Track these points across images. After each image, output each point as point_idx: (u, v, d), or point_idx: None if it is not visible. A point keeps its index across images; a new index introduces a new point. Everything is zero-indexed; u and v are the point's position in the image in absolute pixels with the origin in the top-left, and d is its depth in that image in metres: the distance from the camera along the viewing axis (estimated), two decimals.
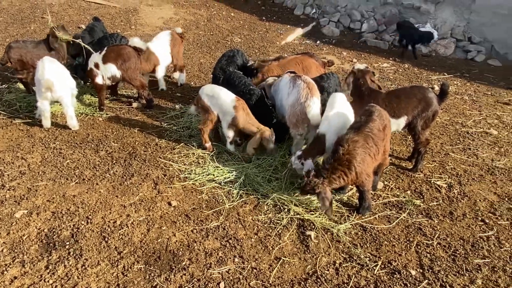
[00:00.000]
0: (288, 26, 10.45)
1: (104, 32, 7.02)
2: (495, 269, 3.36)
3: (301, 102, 4.42)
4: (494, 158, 5.01)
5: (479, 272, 3.33)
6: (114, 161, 4.74)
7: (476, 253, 3.53)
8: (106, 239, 3.61)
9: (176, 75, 6.90)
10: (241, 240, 3.65)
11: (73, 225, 3.76)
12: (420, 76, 7.94)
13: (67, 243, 3.55)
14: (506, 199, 4.26)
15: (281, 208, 4.06)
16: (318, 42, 9.74)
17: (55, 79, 5.01)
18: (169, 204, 4.10)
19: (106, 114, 5.83)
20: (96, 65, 5.63)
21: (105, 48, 5.68)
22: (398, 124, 4.42)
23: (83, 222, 3.80)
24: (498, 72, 8.44)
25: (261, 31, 10.08)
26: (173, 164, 4.70)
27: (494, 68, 8.66)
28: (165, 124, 5.60)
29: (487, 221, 3.93)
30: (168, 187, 4.35)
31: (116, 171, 4.56)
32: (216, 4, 11.63)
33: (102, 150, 4.96)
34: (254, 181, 4.43)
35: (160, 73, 6.40)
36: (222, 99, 4.72)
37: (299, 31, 10.19)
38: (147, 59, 5.98)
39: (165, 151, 4.98)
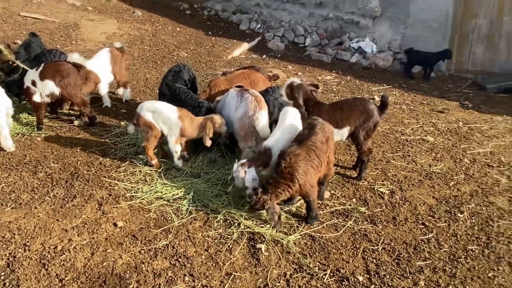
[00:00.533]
0: (234, 40, 10.57)
1: (42, 48, 6.72)
2: (436, 269, 3.54)
3: (249, 115, 4.46)
4: (431, 164, 5.31)
5: (422, 273, 3.48)
6: (54, 183, 4.50)
7: (418, 256, 3.70)
8: (46, 266, 3.40)
9: (121, 91, 6.72)
10: (191, 258, 3.58)
11: (9, 253, 3.51)
12: (361, 88, 8.31)
13: (2, 273, 3.30)
14: (444, 202, 4.52)
15: (232, 222, 4.03)
16: (264, 56, 9.92)
17: None
18: (115, 225, 3.94)
19: (45, 133, 5.54)
20: (33, 83, 5.36)
21: (42, 65, 5.43)
22: (342, 134, 4.58)
23: (20, 250, 3.55)
24: (432, 82, 9.03)
25: (208, 45, 10.12)
26: (118, 183, 4.54)
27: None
28: (110, 141, 5.42)
29: (427, 224, 4.14)
30: (114, 207, 4.19)
31: (56, 193, 4.32)
32: (161, 19, 11.53)
33: (41, 172, 4.69)
34: (204, 196, 4.38)
35: (103, 90, 6.19)
36: (165, 113, 4.65)
37: (245, 46, 10.34)
38: (87, 79, 5.75)
39: (110, 170, 4.81)
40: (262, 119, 4.45)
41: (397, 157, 5.46)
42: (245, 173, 4.07)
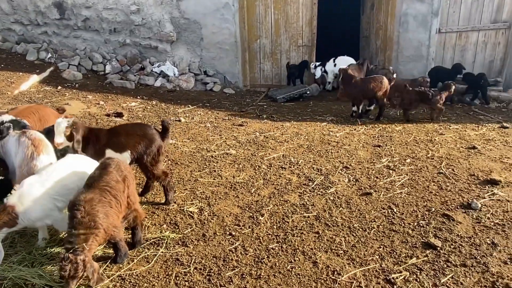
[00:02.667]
0: (21, 73, 9.41)
1: None
2: (244, 275, 3.75)
3: (27, 163, 3.94)
4: (235, 175, 5.70)
5: (231, 283, 3.65)
6: None
7: (227, 266, 3.87)
8: None
9: None
10: None
11: None
12: (167, 111, 8.41)
13: None
14: (247, 209, 4.87)
15: (24, 286, 3.48)
16: (59, 87, 9.11)
17: None
18: None
19: None
20: None
21: None
22: (123, 158, 4.46)
23: None
24: (232, 98, 9.79)
25: None
26: None
27: (229, 95, 10.01)
28: None
29: (233, 233, 4.38)
30: None
31: None
32: None
33: None
34: None
35: None
36: None
37: (35, 78, 9.31)
38: None
39: None
40: (40, 166, 3.96)
41: (204, 174, 5.67)
42: None
